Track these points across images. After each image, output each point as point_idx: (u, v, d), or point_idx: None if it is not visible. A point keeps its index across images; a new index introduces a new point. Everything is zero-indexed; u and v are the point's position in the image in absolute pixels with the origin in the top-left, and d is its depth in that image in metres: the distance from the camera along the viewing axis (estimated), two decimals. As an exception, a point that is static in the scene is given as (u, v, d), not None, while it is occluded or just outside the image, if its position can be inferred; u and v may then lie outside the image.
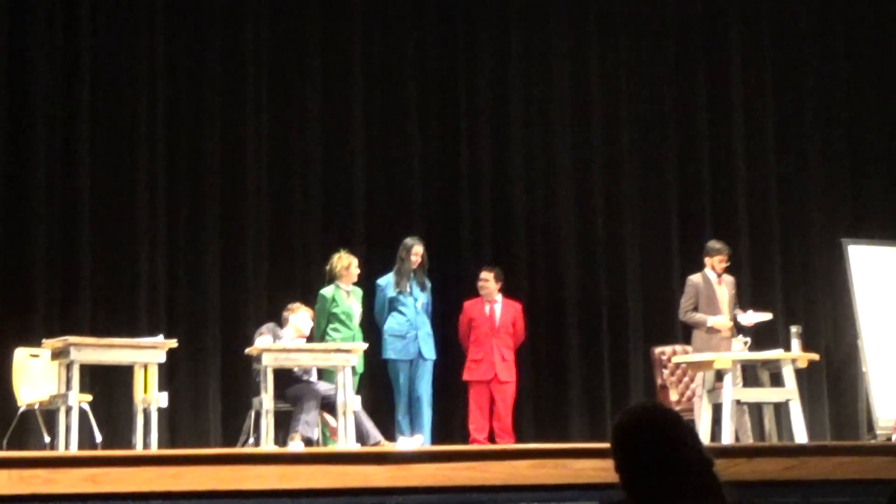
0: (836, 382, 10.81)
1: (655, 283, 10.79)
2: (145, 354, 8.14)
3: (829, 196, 11.20)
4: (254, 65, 10.39)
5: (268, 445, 7.98)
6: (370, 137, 10.61)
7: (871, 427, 10.06)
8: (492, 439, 9.52)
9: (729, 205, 11.09)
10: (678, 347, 9.74)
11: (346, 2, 10.71)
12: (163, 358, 8.18)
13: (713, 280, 9.39)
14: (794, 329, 9.06)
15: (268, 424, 8.07)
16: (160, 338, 8.44)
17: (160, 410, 8.17)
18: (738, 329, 9.24)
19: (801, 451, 6.49)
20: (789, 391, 8.81)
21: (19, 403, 8.50)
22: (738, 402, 8.83)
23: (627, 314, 10.76)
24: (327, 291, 9.23)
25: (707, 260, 9.43)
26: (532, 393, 10.37)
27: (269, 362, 8.26)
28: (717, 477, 3.05)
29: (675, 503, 2.99)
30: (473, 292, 9.83)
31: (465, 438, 9.53)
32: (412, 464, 5.71)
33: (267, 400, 8.13)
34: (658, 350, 9.78)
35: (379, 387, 9.59)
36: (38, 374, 8.57)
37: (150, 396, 8.04)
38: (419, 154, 10.68)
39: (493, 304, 9.78)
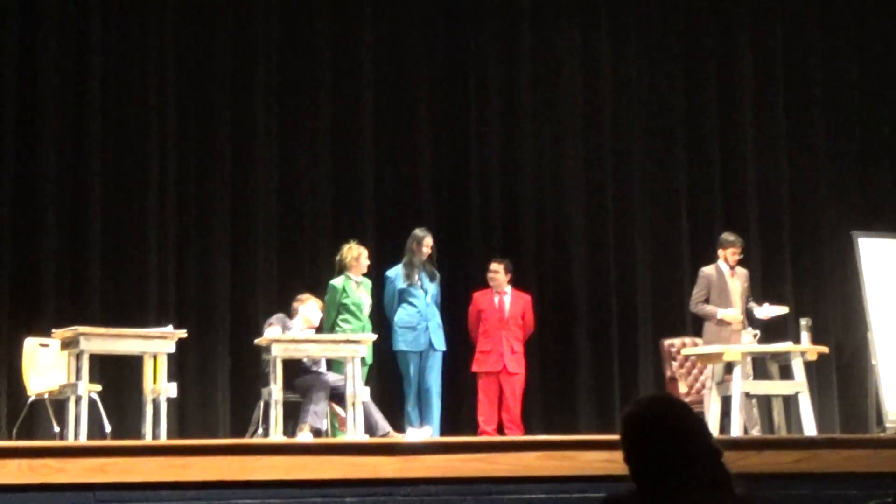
0: (845, 375, 10.78)
1: (665, 276, 10.78)
2: (155, 344, 8.12)
3: (839, 189, 11.17)
4: (264, 61, 10.39)
5: (277, 436, 7.97)
6: (380, 129, 10.60)
7: (880, 420, 10.03)
8: (500, 431, 9.52)
9: (739, 198, 11.07)
10: (687, 340, 9.73)
11: (355, -1, 10.74)
12: (172, 348, 8.17)
13: (726, 272, 9.37)
14: (803, 322, 9.04)
15: (277, 415, 8.07)
16: (170, 328, 8.42)
17: (169, 401, 8.15)
18: (749, 321, 9.24)
19: (810, 443, 6.50)
20: (799, 384, 8.79)
21: (29, 393, 8.51)
22: (748, 394, 8.82)
23: (637, 306, 10.74)
24: (337, 282, 9.23)
25: (720, 252, 9.42)
26: (541, 385, 10.36)
27: (278, 353, 8.26)
28: (726, 468, 3.04)
29: (685, 495, 2.98)
30: (482, 284, 9.84)
31: (474, 430, 9.54)
32: (421, 455, 5.72)
33: (276, 391, 8.12)
34: (667, 342, 9.78)
35: (388, 378, 9.59)
36: (47, 364, 8.57)
37: (160, 386, 8.03)
38: (429, 146, 10.67)
39: (502, 296, 9.77)
